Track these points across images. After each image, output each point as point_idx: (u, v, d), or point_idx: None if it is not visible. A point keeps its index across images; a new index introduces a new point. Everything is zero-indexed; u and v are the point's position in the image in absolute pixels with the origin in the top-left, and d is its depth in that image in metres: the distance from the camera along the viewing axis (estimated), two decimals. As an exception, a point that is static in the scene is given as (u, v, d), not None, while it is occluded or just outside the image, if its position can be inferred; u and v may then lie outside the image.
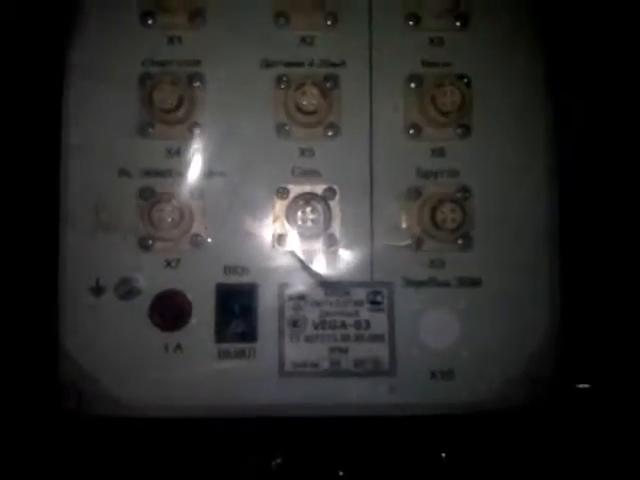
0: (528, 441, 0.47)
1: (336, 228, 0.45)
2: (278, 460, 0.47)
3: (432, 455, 0.46)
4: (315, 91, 0.42)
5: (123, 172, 0.44)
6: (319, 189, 0.44)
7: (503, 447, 0.47)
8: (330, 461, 0.47)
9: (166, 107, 0.42)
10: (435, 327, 0.45)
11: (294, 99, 0.43)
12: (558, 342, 0.45)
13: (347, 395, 0.44)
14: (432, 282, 0.45)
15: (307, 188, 0.44)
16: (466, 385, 0.44)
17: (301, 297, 0.45)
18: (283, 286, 0.45)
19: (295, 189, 0.44)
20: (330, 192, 0.44)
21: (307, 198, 0.44)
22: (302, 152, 0.45)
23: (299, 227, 0.44)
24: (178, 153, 0.44)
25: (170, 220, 0.43)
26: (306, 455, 0.47)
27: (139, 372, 0.44)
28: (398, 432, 0.46)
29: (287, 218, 0.44)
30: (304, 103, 0.43)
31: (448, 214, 0.43)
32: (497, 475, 0.47)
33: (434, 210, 0.43)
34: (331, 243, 0.44)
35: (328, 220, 0.44)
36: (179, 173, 0.44)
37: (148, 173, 0.44)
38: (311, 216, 0.44)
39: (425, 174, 0.45)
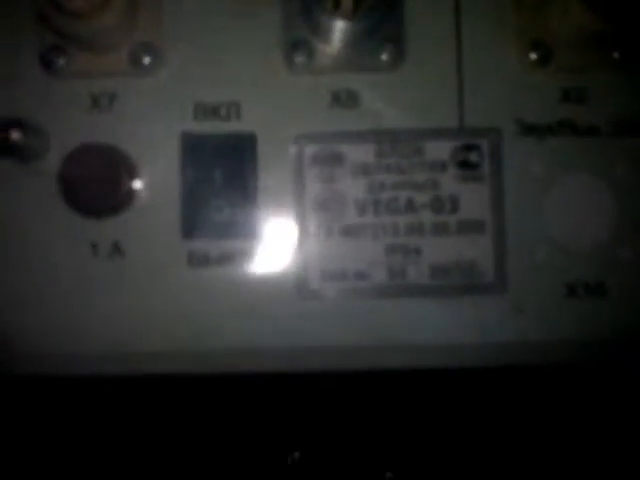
0: None
1: (397, 26, 0.24)
2: (295, 455, 0.28)
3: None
4: None
5: None
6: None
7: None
8: (380, 449, 0.27)
9: None
10: (574, 207, 0.25)
11: None
12: None
13: (420, 328, 0.25)
14: (568, 127, 0.25)
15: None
16: (627, 307, 0.25)
17: (336, 157, 0.25)
18: (303, 138, 0.25)
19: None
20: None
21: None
22: None
23: (329, 23, 0.24)
24: None
25: (94, 10, 0.23)
26: (339, 444, 0.27)
27: (47, 293, 0.24)
28: (508, 391, 0.26)
29: (306, 7, 0.24)
30: None
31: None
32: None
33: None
34: (389, 56, 0.25)
35: (383, 8, 0.24)
36: None
37: None
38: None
39: None
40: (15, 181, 0.25)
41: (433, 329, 0.25)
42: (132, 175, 0.24)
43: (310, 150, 0.25)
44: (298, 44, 0.25)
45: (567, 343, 0.25)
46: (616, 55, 0.25)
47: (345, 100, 0.25)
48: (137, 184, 0.24)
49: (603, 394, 0.26)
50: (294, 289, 0.25)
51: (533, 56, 0.25)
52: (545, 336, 0.25)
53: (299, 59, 0.25)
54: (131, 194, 0.24)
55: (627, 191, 0.25)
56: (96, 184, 0.24)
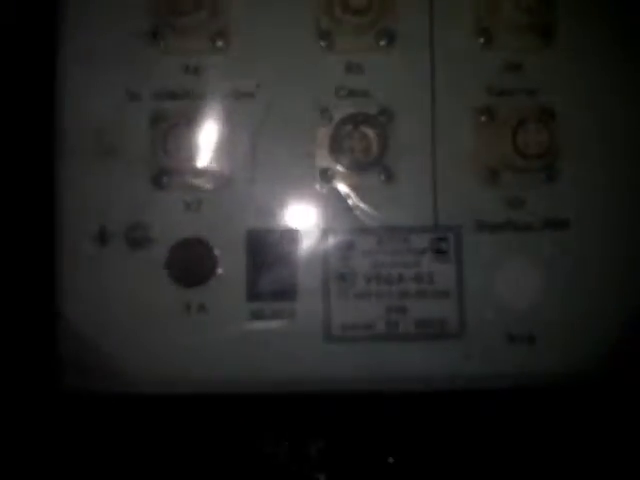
0: (621, 421, 0.38)
1: (391, 159, 0.36)
2: (319, 445, 0.39)
3: (508, 437, 0.38)
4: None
5: (131, 94, 0.36)
6: (371, 111, 0.36)
7: (589, 426, 0.38)
8: (382, 445, 0.39)
9: (181, 7, 0.34)
10: (514, 280, 0.36)
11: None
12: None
13: (407, 364, 0.36)
14: (510, 225, 0.37)
15: (356, 110, 0.36)
16: (551, 353, 0.37)
17: (349, 245, 0.37)
18: (328, 232, 0.37)
19: (341, 112, 0.36)
20: (384, 115, 0.36)
21: (356, 122, 0.35)
22: (349, 68, 0.37)
23: (346, 158, 0.36)
24: (197, 71, 0.36)
25: (188, 152, 0.35)
26: (355, 438, 0.39)
27: (154, 339, 0.36)
28: (467, 409, 0.37)
29: (331, 147, 0.36)
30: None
31: (532, 136, 0.35)
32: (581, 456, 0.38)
33: (515, 132, 0.35)
34: (386, 178, 0.36)
35: (381, 149, 0.36)
36: (199, 95, 0.36)
37: (161, 95, 0.36)
38: (360, 145, 0.36)
39: (499, 92, 0.37)
40: (132, 263, 0.36)
41: (416, 364, 0.37)
42: (214, 258, 0.36)
43: (332, 239, 0.37)
44: (325, 171, 0.36)
45: (507, 376, 0.37)
46: (544, 175, 0.37)
47: (356, 207, 0.37)
48: (217, 264, 0.36)
49: (532, 415, 0.38)
50: (322, 335, 0.36)
51: (485, 175, 0.37)
52: (489, 370, 0.36)
53: (325, 179, 0.36)
54: (213, 271, 0.36)
55: (553, 268, 0.37)
56: (190, 265, 0.36)
